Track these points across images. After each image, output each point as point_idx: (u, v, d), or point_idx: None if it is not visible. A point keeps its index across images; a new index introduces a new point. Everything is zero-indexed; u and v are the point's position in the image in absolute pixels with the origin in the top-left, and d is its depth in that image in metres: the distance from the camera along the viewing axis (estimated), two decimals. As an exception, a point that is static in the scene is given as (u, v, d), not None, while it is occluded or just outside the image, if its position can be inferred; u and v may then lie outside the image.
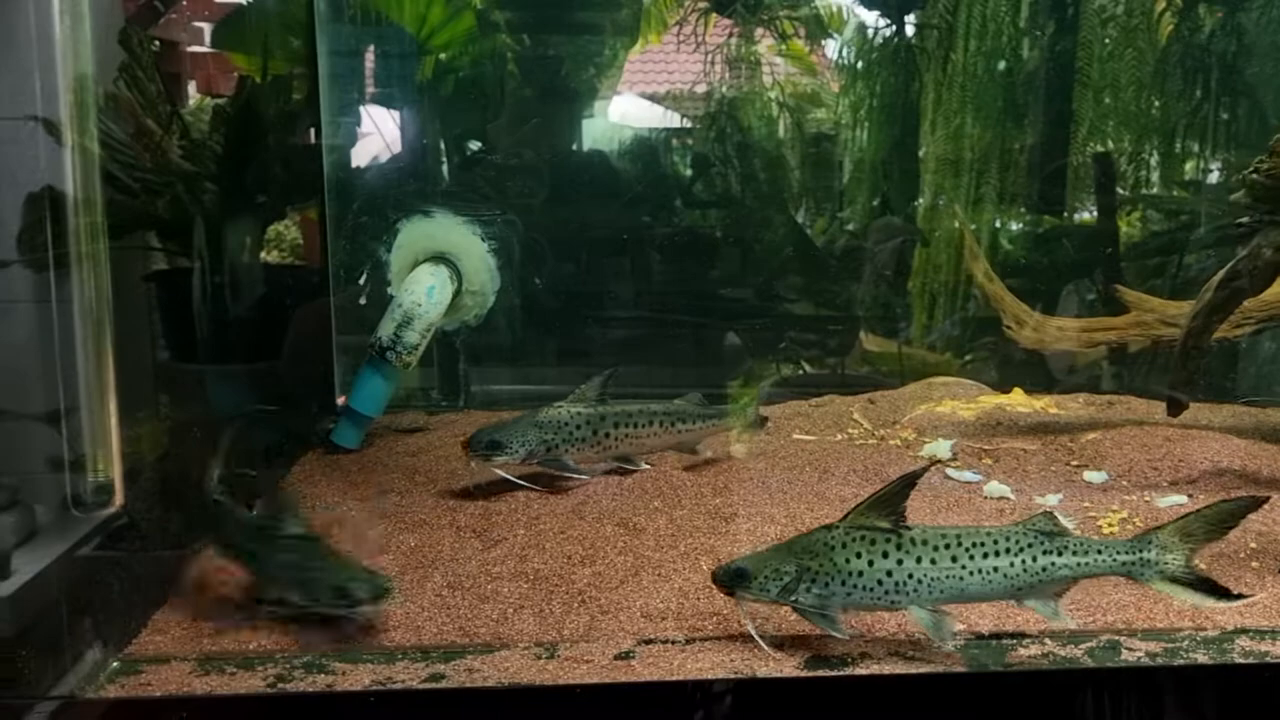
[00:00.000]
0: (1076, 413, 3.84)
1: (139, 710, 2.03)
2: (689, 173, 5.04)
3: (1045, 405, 3.87)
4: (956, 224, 4.68)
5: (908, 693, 2.17)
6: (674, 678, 2.09)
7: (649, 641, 2.22)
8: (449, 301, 3.61)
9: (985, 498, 3.04)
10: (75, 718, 2.06)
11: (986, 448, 3.49)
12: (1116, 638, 2.25)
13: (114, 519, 2.31)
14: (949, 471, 3.27)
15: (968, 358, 4.86)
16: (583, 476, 3.09)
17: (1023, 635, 2.26)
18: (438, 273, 3.60)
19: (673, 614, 2.33)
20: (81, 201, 1.88)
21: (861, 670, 2.12)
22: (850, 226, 5.08)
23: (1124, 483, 3.19)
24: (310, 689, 2.05)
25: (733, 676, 2.09)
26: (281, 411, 3.70)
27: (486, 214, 3.87)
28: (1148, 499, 3.03)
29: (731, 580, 2.15)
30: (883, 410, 3.95)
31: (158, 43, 3.70)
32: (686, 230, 4.95)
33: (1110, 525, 2.82)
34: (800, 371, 5.06)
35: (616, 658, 2.16)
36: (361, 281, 3.90)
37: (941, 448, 3.44)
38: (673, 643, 2.21)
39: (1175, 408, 3.26)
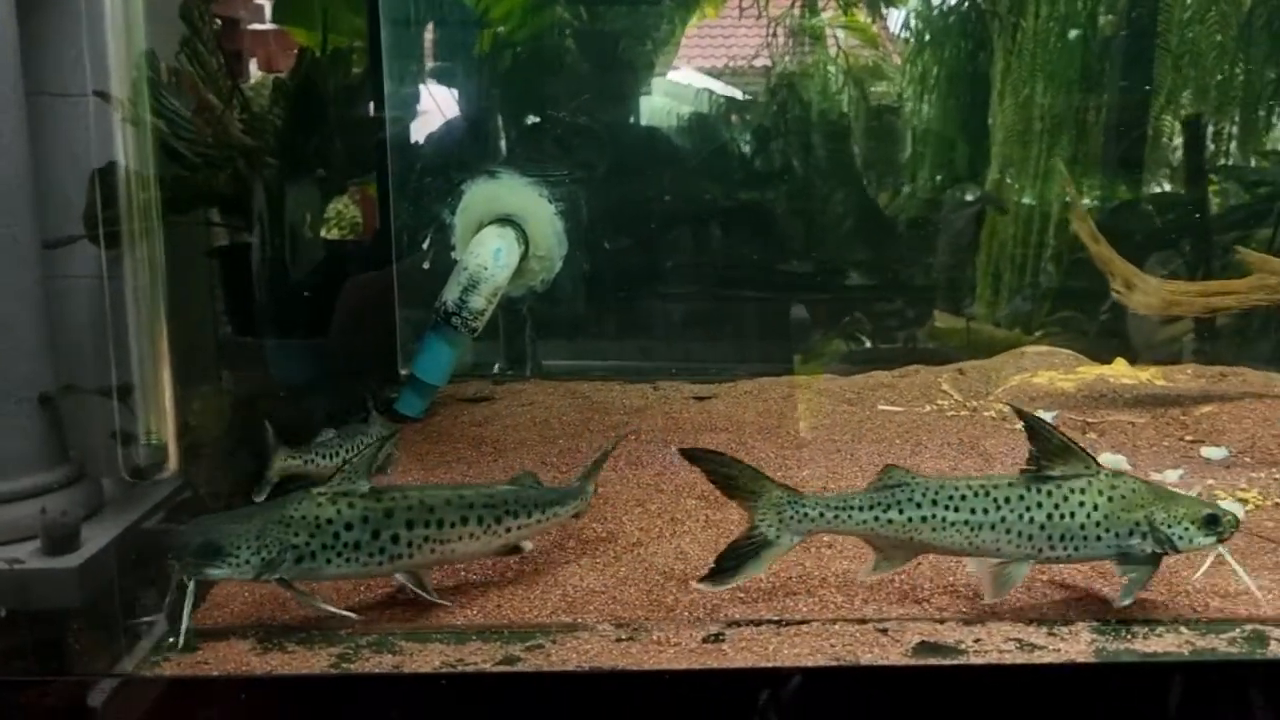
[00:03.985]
0: (1186, 385, 3.56)
1: (195, 690, 1.91)
2: (752, 146, 4.83)
3: (1151, 377, 3.60)
4: (1044, 189, 4.41)
5: (1022, 684, 1.97)
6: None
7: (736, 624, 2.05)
8: (516, 265, 3.44)
9: (1098, 472, 2.79)
10: (129, 697, 1.95)
11: (1090, 420, 3.24)
12: (1261, 626, 2.03)
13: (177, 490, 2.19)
14: (1052, 445, 3.03)
15: (1037, 334, 4.59)
16: (347, 615, 2.03)
17: (1156, 623, 2.04)
18: (505, 234, 3.43)
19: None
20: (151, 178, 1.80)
21: (980, 660, 1.92)
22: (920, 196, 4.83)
23: (1247, 459, 2.92)
24: (376, 669, 1.91)
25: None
26: (343, 381, 3.58)
27: (554, 174, 3.69)
28: (1278, 477, 2.77)
29: None
30: (973, 381, 3.70)
31: (218, 20, 3.61)
32: (752, 203, 4.74)
33: (1259, 503, 2.58)
34: (867, 346, 4.84)
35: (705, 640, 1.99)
36: (425, 246, 3.76)
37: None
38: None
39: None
